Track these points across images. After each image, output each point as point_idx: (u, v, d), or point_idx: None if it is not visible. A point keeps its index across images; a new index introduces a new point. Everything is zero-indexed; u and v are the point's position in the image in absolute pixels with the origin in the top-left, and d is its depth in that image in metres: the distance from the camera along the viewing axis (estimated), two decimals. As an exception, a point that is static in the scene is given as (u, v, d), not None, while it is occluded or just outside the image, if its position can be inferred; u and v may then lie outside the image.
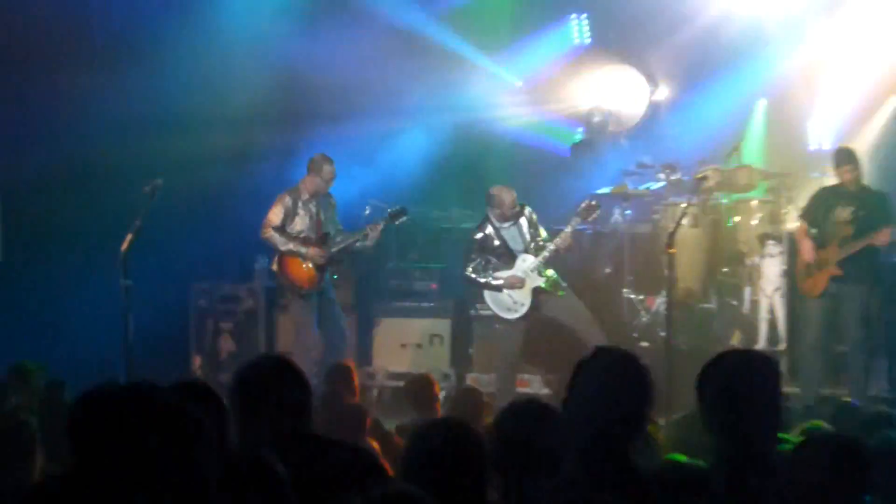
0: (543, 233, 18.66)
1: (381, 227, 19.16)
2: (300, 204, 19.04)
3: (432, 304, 21.09)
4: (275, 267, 19.25)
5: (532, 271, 18.45)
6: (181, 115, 20.99)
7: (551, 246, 18.49)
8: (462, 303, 20.93)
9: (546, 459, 6.92)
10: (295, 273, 19.08)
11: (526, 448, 6.97)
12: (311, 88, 22.07)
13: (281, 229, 18.91)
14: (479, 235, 18.63)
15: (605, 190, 21.25)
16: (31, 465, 9.84)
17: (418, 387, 14.33)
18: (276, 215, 18.94)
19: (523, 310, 18.53)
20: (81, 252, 20.01)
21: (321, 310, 19.18)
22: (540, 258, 18.42)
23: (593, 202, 18.76)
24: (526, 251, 18.57)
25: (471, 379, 19.81)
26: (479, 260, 18.55)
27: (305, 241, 18.98)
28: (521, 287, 18.43)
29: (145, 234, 17.93)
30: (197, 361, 20.85)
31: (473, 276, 18.61)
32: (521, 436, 7.02)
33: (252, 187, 21.26)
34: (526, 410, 7.26)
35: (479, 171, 22.70)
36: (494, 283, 18.47)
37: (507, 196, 18.58)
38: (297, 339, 19.27)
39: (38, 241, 20.85)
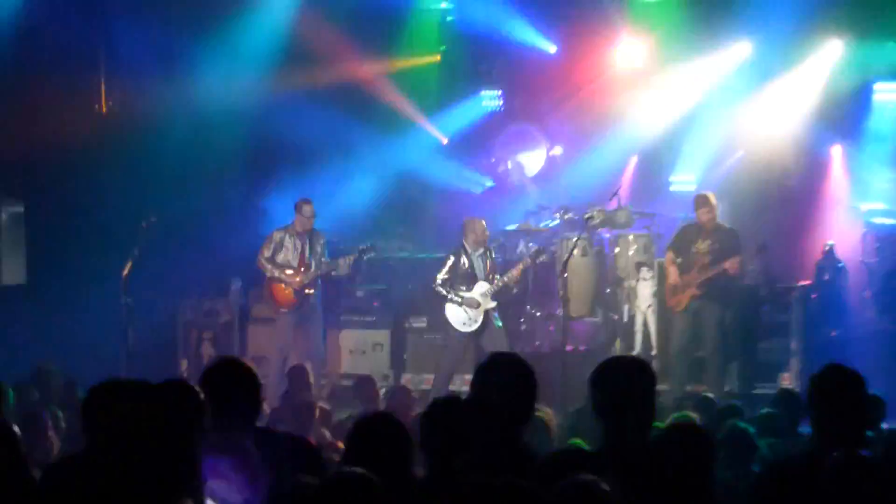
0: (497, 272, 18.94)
1: (352, 259, 19.40)
2: (287, 238, 19.21)
3: (374, 319, 21.05)
4: (265, 290, 19.58)
5: (485, 296, 18.61)
6: (174, 165, 20.97)
7: (505, 278, 18.75)
8: (399, 317, 20.98)
9: (462, 443, 7.02)
10: (277, 295, 19.31)
11: (447, 434, 7.05)
12: (278, 143, 21.98)
13: (271, 259, 19.13)
14: (453, 258, 18.75)
15: (512, 226, 21.39)
16: (47, 447, 9.89)
17: (363, 385, 14.58)
18: (267, 249, 19.22)
19: (475, 326, 18.59)
20: (91, 275, 19.83)
21: (305, 324, 19.39)
22: (493, 287, 18.62)
23: (541, 249, 19.36)
24: (485, 279, 18.68)
25: (405, 379, 19.85)
26: (448, 277, 18.61)
27: (287, 270, 19.11)
28: (476, 307, 18.53)
29: (142, 260, 18.30)
30: (184, 364, 20.58)
31: (440, 289, 18.65)
32: (443, 424, 7.10)
33: (229, 223, 21.44)
34: (449, 404, 7.35)
35: (414, 210, 23.13)
36: (456, 299, 18.51)
37: (478, 225, 18.81)
38: (274, 346, 19.44)
39: (55, 266, 20.80)
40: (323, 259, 19.26)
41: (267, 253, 19.18)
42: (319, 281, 19.42)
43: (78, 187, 20.78)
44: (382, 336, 20.86)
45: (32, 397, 13.59)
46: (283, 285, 19.18)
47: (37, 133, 20.68)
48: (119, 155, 20.87)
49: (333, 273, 19.39)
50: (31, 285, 20.94)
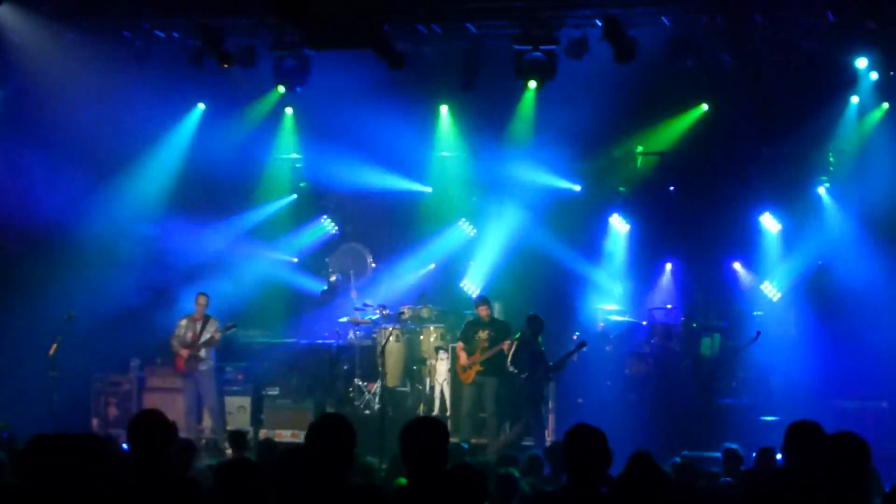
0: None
1: (219, 335, 19.68)
2: (187, 323, 19.64)
3: (239, 388, 20.76)
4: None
5: None
6: (89, 274, 20.51)
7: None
8: (258, 387, 20.85)
9: (303, 484, 6.81)
10: (177, 365, 19.74)
11: (294, 476, 6.82)
12: (170, 258, 21.66)
13: (177, 338, 19.57)
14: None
15: (344, 319, 21.52)
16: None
17: (237, 437, 14.33)
18: (176, 330, 19.71)
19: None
20: (26, 355, 19.55)
21: (199, 386, 19.75)
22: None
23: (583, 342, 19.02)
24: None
25: (262, 433, 19.63)
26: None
27: (184, 345, 19.53)
28: None
29: (64, 344, 18.21)
30: (94, 422, 20.58)
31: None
32: (291, 469, 6.85)
33: (129, 316, 20.93)
34: (294, 453, 6.97)
35: (274, 305, 22.92)
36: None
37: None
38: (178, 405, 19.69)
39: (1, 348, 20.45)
40: (216, 335, 19.65)
41: (176, 333, 19.69)
42: (213, 353, 19.79)
43: (17, 291, 20.58)
44: (245, 401, 20.61)
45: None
46: (180, 357, 19.64)
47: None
48: (47, 266, 20.66)
49: (211, 345, 19.74)
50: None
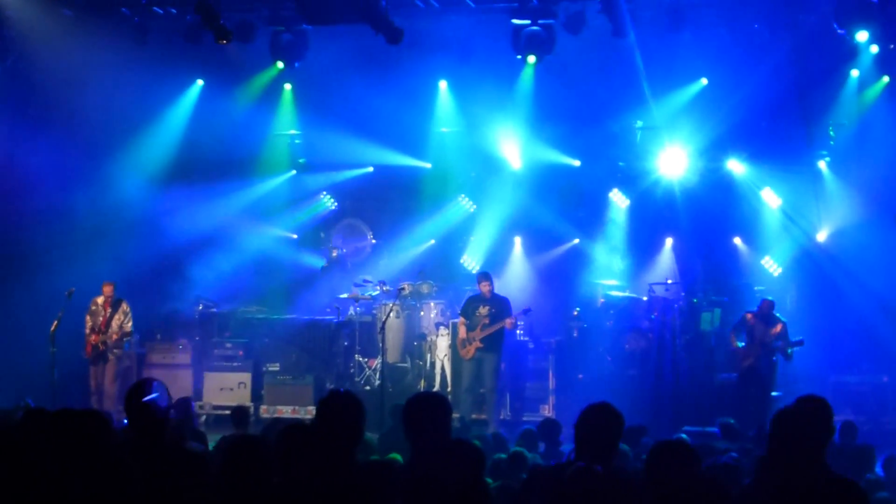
0: None
1: (129, 326, 19.33)
2: (95, 308, 19.21)
3: (239, 364, 20.72)
4: None
5: None
6: (86, 254, 20.62)
7: None
8: (258, 363, 20.85)
9: (308, 459, 6.73)
10: (87, 347, 19.25)
11: (302, 451, 6.75)
12: (173, 241, 21.42)
13: (90, 314, 19.18)
14: None
15: (344, 295, 21.53)
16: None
17: (239, 413, 14.16)
18: (90, 309, 19.24)
19: None
20: (27, 332, 19.58)
21: (103, 370, 19.24)
22: None
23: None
24: None
25: (262, 409, 19.70)
26: None
27: (92, 331, 19.16)
28: None
29: (65, 320, 18.09)
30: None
31: None
32: (300, 444, 6.77)
33: (130, 293, 19.82)
34: (300, 430, 6.92)
35: (275, 283, 22.92)
36: None
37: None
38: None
39: (7, 325, 20.29)
40: (126, 324, 19.24)
41: (87, 316, 19.28)
42: (127, 344, 19.49)
43: (18, 268, 20.66)
44: (245, 377, 20.54)
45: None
46: (88, 341, 19.32)
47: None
48: (47, 243, 20.73)
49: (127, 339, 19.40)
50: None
